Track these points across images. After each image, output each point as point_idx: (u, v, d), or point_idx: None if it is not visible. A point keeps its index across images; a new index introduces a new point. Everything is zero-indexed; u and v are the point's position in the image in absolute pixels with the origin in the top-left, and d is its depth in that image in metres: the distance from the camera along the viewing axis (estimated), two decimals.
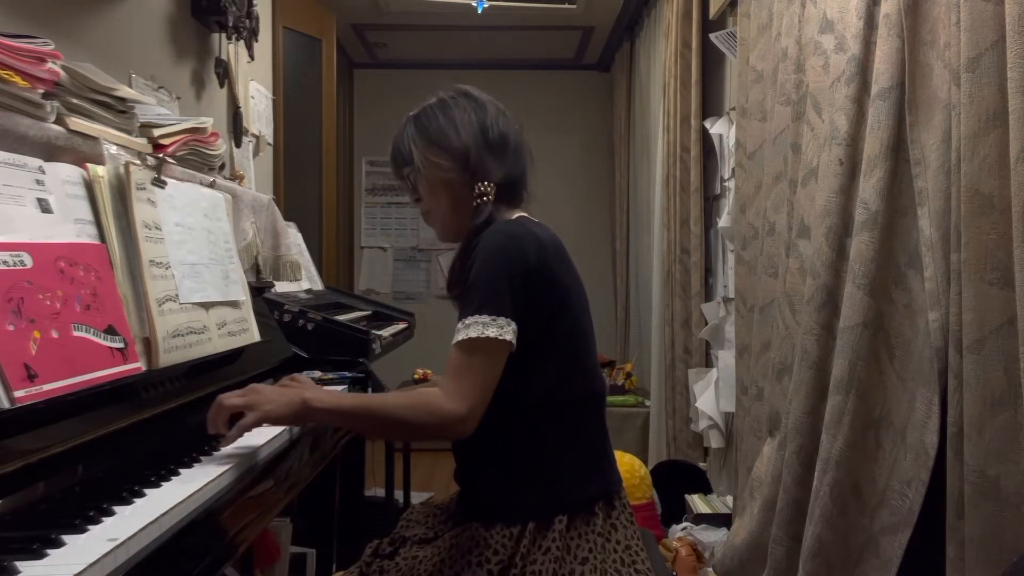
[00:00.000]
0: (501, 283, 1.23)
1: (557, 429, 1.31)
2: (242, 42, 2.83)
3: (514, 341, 1.22)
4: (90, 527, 0.92)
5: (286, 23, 3.54)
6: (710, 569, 2.60)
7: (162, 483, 1.10)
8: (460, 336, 1.22)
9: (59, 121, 1.38)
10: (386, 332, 2.75)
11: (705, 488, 3.15)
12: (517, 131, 1.42)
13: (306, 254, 3.06)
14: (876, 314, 1.74)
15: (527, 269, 1.25)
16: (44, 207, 1.23)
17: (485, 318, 1.21)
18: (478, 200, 1.35)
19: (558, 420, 1.31)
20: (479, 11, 4.11)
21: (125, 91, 1.59)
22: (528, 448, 1.31)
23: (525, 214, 1.40)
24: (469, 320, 1.22)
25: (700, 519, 2.87)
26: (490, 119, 1.38)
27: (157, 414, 1.32)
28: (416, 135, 1.38)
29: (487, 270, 1.24)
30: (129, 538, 0.89)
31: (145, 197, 1.46)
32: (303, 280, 2.81)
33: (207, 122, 1.91)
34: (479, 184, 1.35)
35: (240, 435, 1.22)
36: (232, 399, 1.24)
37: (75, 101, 1.44)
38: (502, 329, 1.21)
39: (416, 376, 4.20)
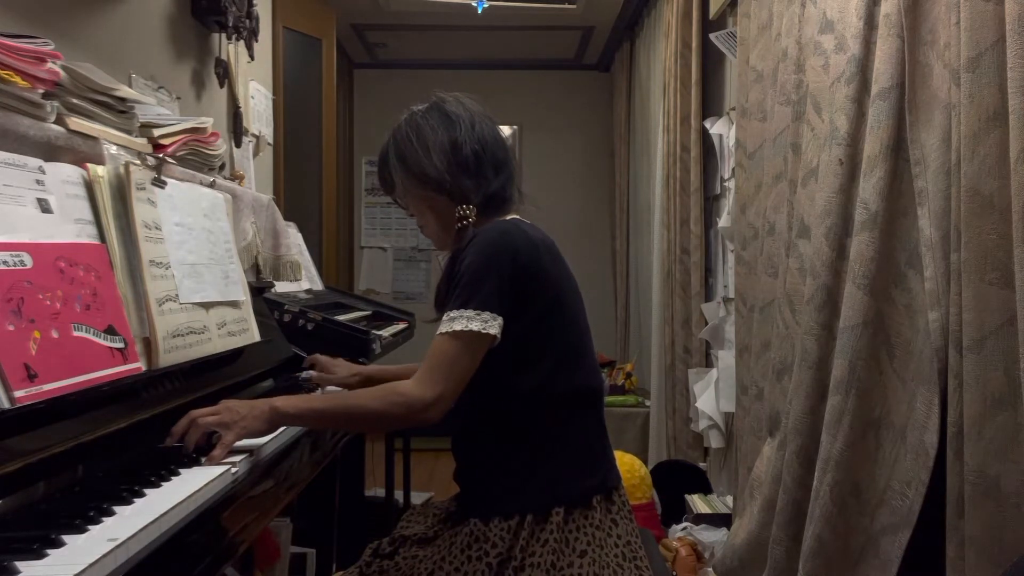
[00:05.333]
0: (490, 277, 1.26)
1: (552, 423, 1.33)
2: (242, 42, 2.83)
3: (498, 335, 1.26)
4: (90, 527, 0.92)
5: (286, 23, 3.54)
6: (710, 569, 2.60)
7: (162, 483, 1.09)
8: (444, 328, 1.26)
9: (59, 121, 1.38)
10: (386, 332, 2.75)
11: (705, 488, 3.15)
12: (494, 137, 1.43)
13: (306, 254, 3.06)
14: (876, 314, 1.74)
15: (517, 265, 1.28)
16: (44, 207, 1.23)
17: (470, 312, 1.25)
18: (459, 224, 1.38)
19: (553, 414, 1.33)
20: (479, 11, 4.11)
21: (125, 91, 1.59)
22: (524, 441, 1.32)
23: (518, 216, 1.43)
24: (454, 313, 1.26)
25: (700, 519, 2.87)
26: (461, 135, 1.39)
27: (157, 414, 1.31)
28: (396, 161, 1.41)
29: (477, 264, 1.27)
30: (129, 538, 0.89)
31: (145, 197, 1.46)
32: (303, 280, 2.81)
33: (207, 122, 1.91)
34: (459, 207, 1.38)
35: (224, 454, 1.21)
36: (207, 418, 1.24)
37: (75, 101, 1.44)
38: (486, 323, 1.24)
39: None
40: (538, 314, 1.31)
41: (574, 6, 4.46)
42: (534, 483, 1.30)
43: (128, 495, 1.03)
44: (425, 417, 1.24)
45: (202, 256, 1.62)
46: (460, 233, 1.38)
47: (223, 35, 2.68)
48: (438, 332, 1.27)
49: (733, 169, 2.79)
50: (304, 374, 1.78)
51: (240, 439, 1.25)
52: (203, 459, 1.20)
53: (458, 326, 1.24)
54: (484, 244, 1.29)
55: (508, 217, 1.41)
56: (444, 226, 1.42)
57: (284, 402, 1.30)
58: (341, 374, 1.73)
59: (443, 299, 1.36)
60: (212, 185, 1.84)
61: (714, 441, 3.10)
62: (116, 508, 0.98)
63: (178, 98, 2.36)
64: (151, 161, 1.55)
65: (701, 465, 3.32)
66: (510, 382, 1.31)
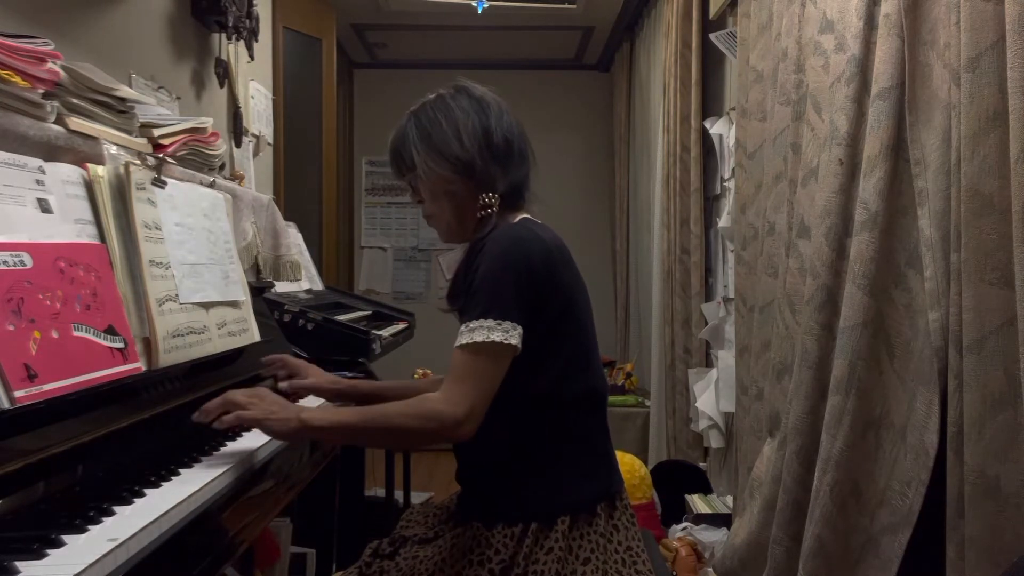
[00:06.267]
0: (507, 286, 1.23)
1: (559, 428, 1.31)
2: (242, 42, 2.83)
3: (519, 345, 1.22)
4: (90, 527, 0.92)
5: (286, 23, 3.54)
6: (710, 569, 2.60)
7: (162, 483, 1.10)
8: (464, 339, 1.22)
9: (59, 121, 1.38)
10: (386, 332, 2.75)
11: (705, 488, 3.15)
12: (519, 130, 1.40)
13: (306, 254, 3.06)
14: (876, 314, 1.74)
15: (532, 272, 1.25)
16: (44, 207, 1.23)
17: (491, 322, 1.21)
18: (483, 212, 1.34)
19: (560, 419, 1.31)
20: (479, 11, 4.11)
21: (125, 91, 1.59)
22: (530, 447, 1.31)
23: (528, 215, 1.40)
24: (474, 324, 1.21)
25: (700, 519, 2.87)
26: (494, 122, 1.35)
27: (157, 414, 1.32)
28: (418, 141, 1.35)
29: (493, 273, 1.24)
30: (129, 538, 0.89)
31: (145, 197, 1.46)
32: (303, 280, 2.81)
33: (207, 122, 1.91)
34: (484, 196, 1.34)
35: (236, 422, 1.22)
36: (239, 397, 1.25)
37: (75, 101, 1.44)
38: (507, 333, 1.21)
39: (416, 376, 4.20)
40: (551, 319, 1.28)
41: (574, 6, 4.46)
42: (540, 490, 1.28)
43: (128, 495, 1.03)
44: (459, 434, 1.20)
45: (202, 256, 1.62)
46: (481, 222, 1.34)
47: (223, 35, 2.68)
48: (458, 344, 1.22)
49: (733, 169, 2.79)
50: (272, 382, 1.64)
51: (258, 426, 1.24)
52: (215, 423, 1.22)
53: (479, 337, 1.20)
54: (499, 253, 1.25)
55: (519, 217, 1.37)
56: (459, 215, 1.37)
57: (312, 415, 1.25)
58: (316, 379, 1.57)
59: (459, 290, 1.33)
60: (212, 185, 1.84)
61: (714, 441, 3.10)
62: (116, 508, 0.99)
63: (178, 98, 2.36)
64: (151, 161, 1.55)
65: (701, 465, 3.32)
66: (521, 386, 1.27)
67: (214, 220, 1.75)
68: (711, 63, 3.37)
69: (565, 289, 1.31)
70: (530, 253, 1.26)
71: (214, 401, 1.25)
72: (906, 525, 1.65)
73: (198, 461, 1.21)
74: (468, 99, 1.37)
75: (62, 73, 1.38)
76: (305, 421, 1.23)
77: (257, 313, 1.84)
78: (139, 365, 1.29)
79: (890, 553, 1.69)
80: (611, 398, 4.03)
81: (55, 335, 1.11)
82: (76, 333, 1.16)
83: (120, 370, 1.23)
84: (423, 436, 1.24)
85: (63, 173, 1.30)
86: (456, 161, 1.33)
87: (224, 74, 2.71)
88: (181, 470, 1.16)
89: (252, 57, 2.99)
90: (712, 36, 3.01)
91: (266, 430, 1.25)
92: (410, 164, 1.37)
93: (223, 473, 1.16)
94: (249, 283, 1.88)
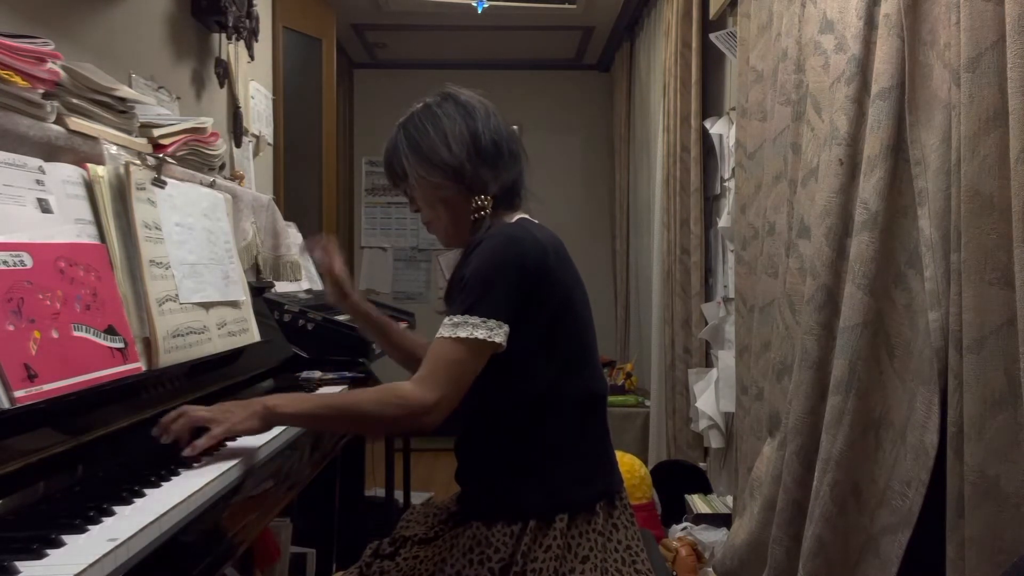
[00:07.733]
0: (496, 284, 1.23)
1: (558, 428, 1.31)
2: (242, 42, 2.83)
3: (504, 343, 1.23)
4: (90, 527, 0.92)
5: (286, 23, 3.54)
6: (710, 569, 2.60)
7: (162, 483, 1.10)
8: (446, 332, 1.23)
9: (59, 121, 1.38)
10: None
11: (705, 488, 3.15)
12: (508, 130, 1.41)
13: (306, 254, 3.06)
14: (876, 314, 1.74)
15: (526, 271, 1.25)
16: (44, 207, 1.23)
17: (476, 319, 1.22)
18: (476, 215, 1.35)
19: (559, 419, 1.31)
20: (479, 11, 4.11)
21: (125, 91, 1.59)
22: (529, 446, 1.31)
23: (525, 215, 1.41)
24: (459, 319, 1.22)
25: (700, 519, 2.87)
26: (480, 125, 1.36)
27: (157, 414, 1.31)
28: (408, 151, 1.37)
29: (484, 271, 1.25)
30: (129, 538, 0.89)
31: (145, 197, 1.46)
32: (303, 280, 2.81)
33: (207, 122, 1.92)
34: (476, 198, 1.35)
35: (209, 444, 1.20)
36: (198, 412, 1.23)
37: (75, 101, 1.44)
38: (492, 331, 1.22)
39: None
40: (547, 318, 1.28)
41: (574, 6, 4.46)
42: (539, 489, 1.29)
43: (128, 495, 1.03)
44: (425, 421, 1.21)
45: (202, 256, 1.62)
46: (476, 225, 1.35)
47: (223, 35, 2.68)
48: (440, 335, 1.23)
49: (733, 169, 2.79)
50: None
51: (229, 434, 1.23)
52: (185, 450, 1.19)
53: (463, 332, 1.21)
54: (491, 250, 1.26)
55: (516, 217, 1.38)
56: (456, 219, 1.38)
57: (277, 400, 1.26)
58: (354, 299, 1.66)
59: (455, 292, 1.33)
60: (212, 185, 1.84)
61: (714, 441, 3.10)
62: (116, 508, 0.99)
63: (178, 98, 2.36)
64: (151, 161, 1.55)
65: (701, 465, 3.32)
66: (518, 385, 1.28)
67: (214, 220, 1.75)
68: (711, 63, 3.37)
69: (562, 289, 1.31)
70: (523, 252, 1.26)
71: (170, 415, 1.22)
72: (906, 525, 1.65)
73: (198, 461, 1.21)
74: (454, 105, 1.38)
75: (62, 73, 1.39)
76: (271, 408, 1.23)
77: (257, 313, 1.84)
78: (139, 365, 1.29)
79: (890, 553, 1.69)
80: (611, 398, 4.04)
81: (55, 335, 1.11)
82: (76, 333, 1.16)
83: (120, 370, 1.23)
84: (390, 421, 1.25)
85: (63, 173, 1.30)
86: (446, 168, 1.34)
87: (224, 74, 2.71)
88: (181, 470, 1.16)
89: (252, 57, 2.99)
90: (712, 36, 3.01)
91: (233, 428, 1.23)
92: (402, 175, 1.39)
93: (223, 473, 1.16)
94: (249, 283, 1.88)
